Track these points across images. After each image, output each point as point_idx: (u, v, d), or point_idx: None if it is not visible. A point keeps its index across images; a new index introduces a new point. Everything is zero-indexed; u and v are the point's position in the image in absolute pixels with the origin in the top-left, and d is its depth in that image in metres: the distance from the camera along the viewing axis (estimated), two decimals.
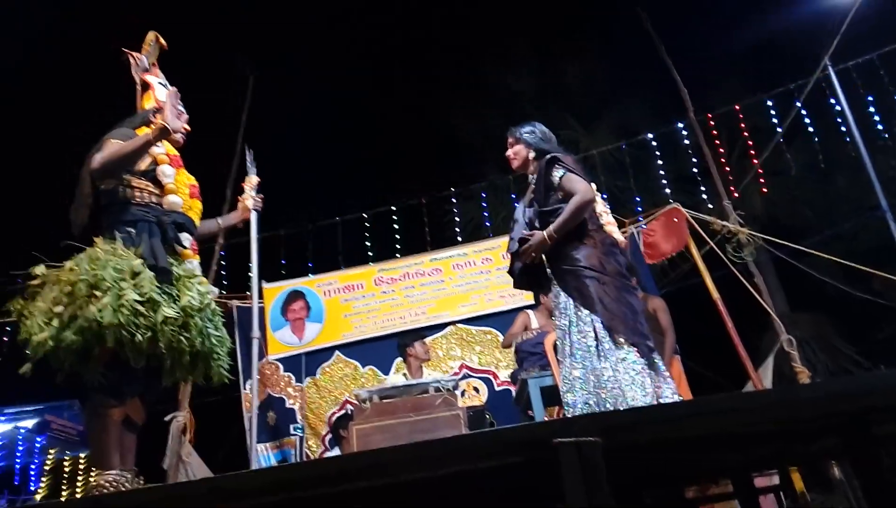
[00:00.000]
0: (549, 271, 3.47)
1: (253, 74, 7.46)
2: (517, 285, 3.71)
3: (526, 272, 3.53)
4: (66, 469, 9.27)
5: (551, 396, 4.31)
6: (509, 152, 3.66)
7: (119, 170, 2.99)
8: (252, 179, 3.83)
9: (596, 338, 3.12)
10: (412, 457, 1.71)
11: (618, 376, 3.02)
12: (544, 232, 3.31)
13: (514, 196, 8.47)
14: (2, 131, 9.24)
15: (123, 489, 2.63)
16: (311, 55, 12.48)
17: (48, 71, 9.80)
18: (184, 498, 1.65)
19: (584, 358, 3.13)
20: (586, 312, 3.17)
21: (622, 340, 3.07)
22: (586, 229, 3.33)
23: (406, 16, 12.54)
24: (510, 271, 3.65)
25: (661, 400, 3.02)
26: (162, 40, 3.41)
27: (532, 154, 3.55)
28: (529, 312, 5.52)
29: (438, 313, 6.63)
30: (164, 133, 3.00)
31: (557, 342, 3.39)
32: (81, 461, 9.25)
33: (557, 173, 3.35)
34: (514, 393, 5.51)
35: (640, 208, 7.20)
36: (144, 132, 3.06)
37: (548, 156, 3.43)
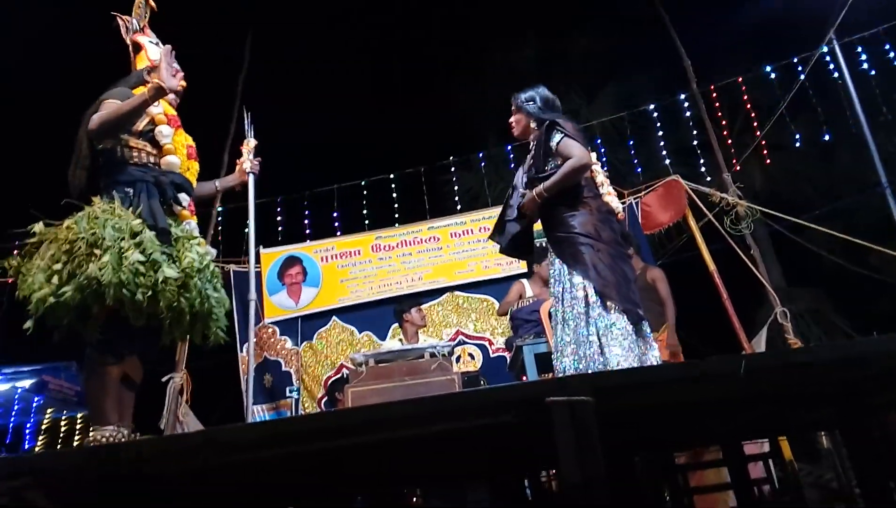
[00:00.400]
0: (544, 241, 3.48)
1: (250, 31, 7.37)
2: (504, 251, 3.70)
3: (514, 240, 3.54)
4: (63, 429, 9.35)
5: (546, 363, 4.35)
6: (512, 119, 3.64)
7: (116, 130, 2.98)
8: (250, 143, 3.81)
9: (587, 304, 3.15)
10: (408, 413, 1.72)
11: (604, 342, 3.06)
12: (534, 191, 3.32)
13: (512, 167, 8.42)
14: None
15: None
16: (312, 20, 12.30)
17: (44, 30, 9.66)
18: (180, 450, 1.67)
19: (576, 324, 3.17)
20: (579, 278, 3.19)
21: (613, 306, 3.10)
22: (582, 195, 3.33)
23: None
24: (493, 236, 3.65)
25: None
26: (152, 2, 3.37)
27: (533, 123, 3.52)
28: (524, 281, 5.54)
29: (435, 278, 6.67)
30: (160, 92, 2.97)
31: (551, 309, 3.42)
32: (78, 421, 9.34)
33: (555, 139, 3.34)
34: (508, 360, 5.55)
35: (640, 180, 7.16)
36: (141, 92, 3.03)
37: (547, 122, 3.40)
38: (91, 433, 2.75)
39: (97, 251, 2.67)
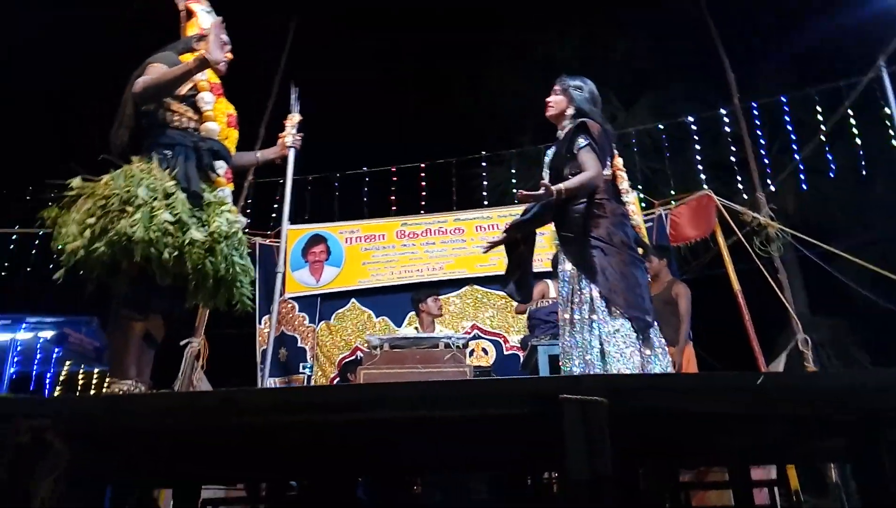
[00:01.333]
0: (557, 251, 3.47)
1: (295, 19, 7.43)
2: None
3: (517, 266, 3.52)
4: (80, 382, 9.55)
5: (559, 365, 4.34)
6: (550, 99, 3.55)
7: (159, 96, 3.03)
8: (294, 118, 3.83)
9: (592, 308, 3.13)
10: (421, 395, 1.74)
11: (606, 347, 3.04)
12: (555, 186, 3.21)
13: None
14: (51, 44, 9.29)
15: None
16: (357, 4, 12.33)
17: None
18: (196, 407, 1.71)
19: (581, 328, 3.15)
20: (586, 281, 3.18)
21: (618, 311, 3.07)
22: (597, 197, 3.28)
23: None
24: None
25: None
26: None
27: (571, 110, 3.45)
28: (548, 281, 5.52)
29: (456, 270, 6.68)
30: (203, 64, 3.00)
31: (559, 311, 3.41)
32: (95, 376, 9.53)
33: (580, 143, 3.28)
34: (521, 359, 5.55)
35: (672, 192, 7.10)
36: (187, 60, 3.07)
37: (579, 120, 3.35)
38: (108, 386, 2.81)
39: (130, 209, 2.73)
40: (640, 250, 3.42)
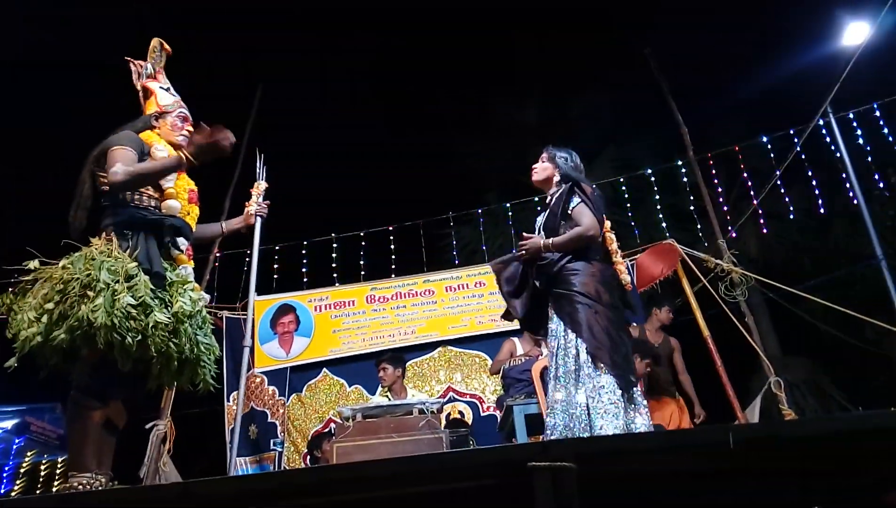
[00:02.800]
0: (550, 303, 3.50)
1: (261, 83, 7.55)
2: (508, 311, 3.68)
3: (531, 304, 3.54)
4: (43, 473, 9.13)
5: (536, 423, 4.29)
6: (536, 166, 3.71)
7: (138, 187, 3.00)
8: (260, 186, 3.83)
9: (577, 364, 3.16)
10: (390, 472, 1.69)
11: (591, 403, 3.07)
12: (543, 239, 3.38)
13: (510, 223, 8.48)
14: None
15: None
16: (318, 73, 12.61)
17: (51, 69, 9.80)
18: (155, 501, 1.63)
19: (567, 382, 3.19)
20: (573, 336, 3.23)
21: (603, 368, 3.12)
22: (588, 256, 3.38)
23: (417, 43, 12.71)
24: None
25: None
26: (167, 46, 3.42)
27: (557, 177, 3.60)
28: (515, 339, 5.50)
29: (428, 332, 6.62)
30: (181, 166, 3.04)
31: (548, 365, 3.43)
32: (59, 465, 9.13)
33: (573, 202, 3.43)
34: (499, 419, 5.46)
35: (637, 243, 7.21)
36: (147, 137, 3.08)
37: (569, 183, 3.48)
38: (67, 479, 2.69)
39: (90, 293, 2.66)
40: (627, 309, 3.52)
